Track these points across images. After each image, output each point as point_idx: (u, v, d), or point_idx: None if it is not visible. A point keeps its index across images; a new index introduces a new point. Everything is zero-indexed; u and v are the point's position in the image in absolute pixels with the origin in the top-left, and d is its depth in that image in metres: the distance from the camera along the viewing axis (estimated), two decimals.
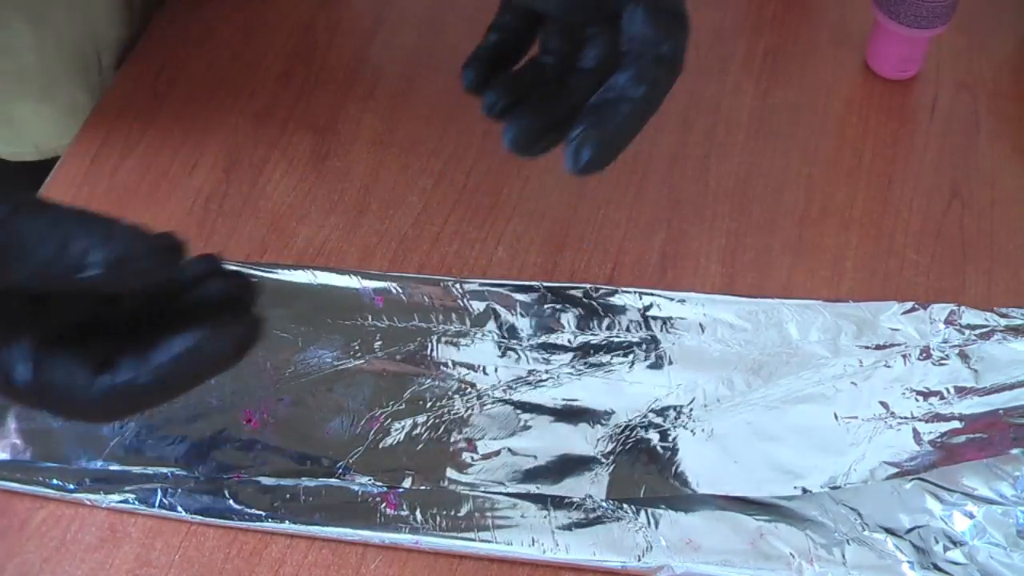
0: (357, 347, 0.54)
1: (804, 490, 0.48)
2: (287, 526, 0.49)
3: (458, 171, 0.62)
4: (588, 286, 0.55)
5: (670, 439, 0.50)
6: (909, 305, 0.54)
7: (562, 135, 0.43)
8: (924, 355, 0.52)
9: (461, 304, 0.55)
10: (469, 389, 0.52)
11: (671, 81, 0.46)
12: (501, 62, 0.47)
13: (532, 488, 0.49)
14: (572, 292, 0.55)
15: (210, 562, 0.48)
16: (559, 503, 0.48)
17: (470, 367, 0.53)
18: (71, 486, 0.50)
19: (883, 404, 0.51)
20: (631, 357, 0.53)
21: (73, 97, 0.66)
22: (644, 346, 0.53)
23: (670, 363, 0.53)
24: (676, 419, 0.51)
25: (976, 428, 0.49)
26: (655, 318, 0.54)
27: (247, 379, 0.53)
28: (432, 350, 0.54)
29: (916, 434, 0.49)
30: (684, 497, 0.48)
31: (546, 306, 0.55)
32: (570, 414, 0.51)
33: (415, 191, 0.61)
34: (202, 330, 0.37)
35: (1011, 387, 0.50)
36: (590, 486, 0.49)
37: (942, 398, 0.50)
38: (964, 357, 0.52)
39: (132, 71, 0.68)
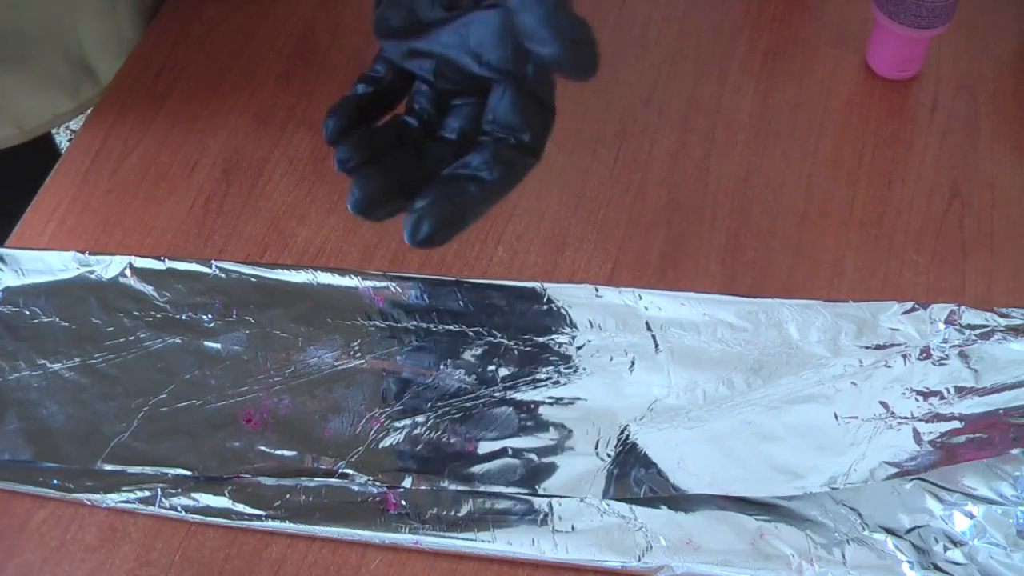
0: (357, 347, 0.54)
1: (804, 490, 0.48)
2: (287, 526, 0.49)
3: None
4: (588, 286, 0.55)
5: (670, 439, 0.50)
6: (909, 305, 0.54)
7: (407, 203, 0.44)
8: (924, 355, 0.52)
9: (461, 304, 0.55)
10: (469, 389, 0.52)
11: (526, 169, 0.46)
12: (365, 115, 0.47)
13: (532, 488, 0.49)
14: (571, 292, 0.55)
15: (210, 562, 0.48)
16: (559, 503, 0.48)
17: (470, 367, 0.53)
18: (71, 486, 0.50)
19: (883, 404, 0.50)
20: (631, 357, 0.53)
21: (51, 65, 0.65)
22: (644, 346, 0.53)
23: (670, 363, 0.53)
24: (676, 419, 0.51)
25: (976, 428, 0.49)
26: (655, 318, 0.54)
27: (247, 379, 0.53)
28: (432, 350, 0.54)
29: (916, 434, 0.49)
30: (684, 497, 0.48)
31: (545, 306, 0.55)
32: (570, 414, 0.51)
33: None
34: None
35: (1011, 387, 0.50)
36: (590, 486, 0.49)
37: (942, 398, 0.50)
38: (964, 357, 0.52)
39: (132, 71, 0.68)
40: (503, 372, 0.53)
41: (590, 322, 0.54)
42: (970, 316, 0.53)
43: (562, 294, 0.55)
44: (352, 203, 0.44)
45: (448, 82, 0.46)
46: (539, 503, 0.49)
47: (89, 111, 0.66)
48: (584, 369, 0.53)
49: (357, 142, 0.45)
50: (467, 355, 0.54)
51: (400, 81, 0.48)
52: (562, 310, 0.55)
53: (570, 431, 0.51)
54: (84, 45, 0.66)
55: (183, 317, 0.55)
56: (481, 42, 0.45)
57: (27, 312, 0.56)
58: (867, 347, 0.52)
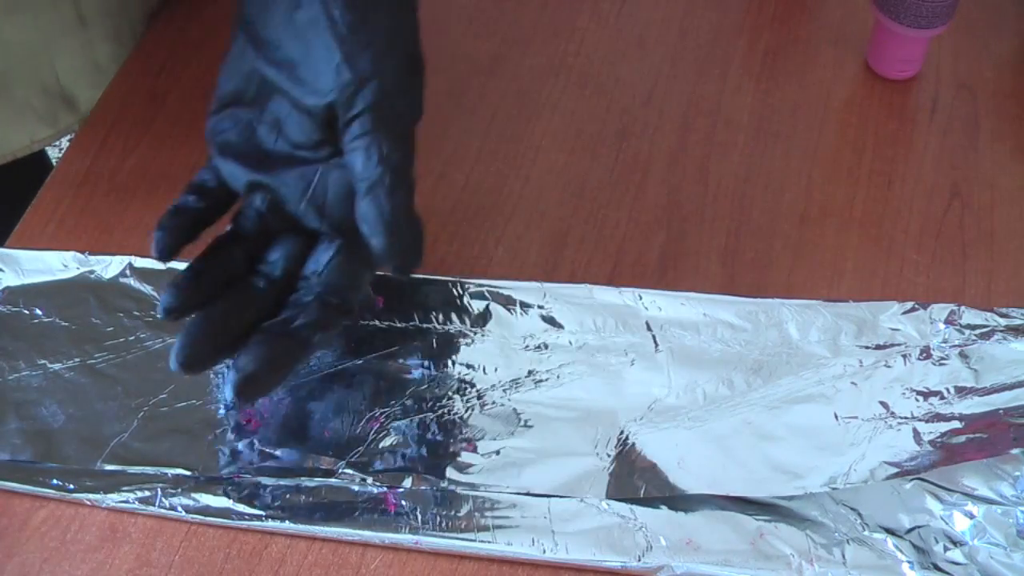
0: (357, 347, 0.54)
1: (804, 490, 0.48)
2: (287, 526, 0.49)
3: (458, 171, 0.62)
4: (588, 286, 0.55)
5: (670, 439, 0.50)
6: (909, 305, 0.54)
7: (229, 355, 0.46)
8: (924, 355, 0.52)
9: (461, 304, 0.55)
10: (469, 389, 0.52)
11: (340, 324, 0.49)
12: (196, 228, 0.48)
13: (532, 488, 0.49)
14: (572, 292, 0.55)
15: (210, 562, 0.48)
16: (559, 503, 0.48)
17: (470, 367, 0.53)
18: (71, 486, 0.50)
19: (883, 404, 0.50)
20: (631, 357, 0.53)
21: (27, 98, 0.65)
22: (644, 346, 0.53)
23: (670, 363, 0.53)
24: (676, 419, 0.51)
25: (976, 428, 0.49)
26: (655, 318, 0.54)
27: None
28: (432, 350, 0.54)
29: (916, 434, 0.49)
30: (684, 497, 0.48)
31: (545, 306, 0.55)
32: (570, 414, 0.51)
33: (415, 191, 0.61)
34: None
35: (1011, 387, 0.50)
36: (590, 486, 0.49)
37: (942, 398, 0.50)
38: (964, 357, 0.52)
39: (132, 71, 0.68)
40: (503, 372, 0.53)
41: (590, 322, 0.54)
42: (970, 316, 0.53)
43: (562, 294, 0.55)
44: (177, 362, 0.45)
45: (279, 220, 0.48)
46: (539, 503, 0.49)
47: (46, 113, 0.66)
48: (584, 369, 0.53)
49: (184, 289, 0.47)
50: (467, 355, 0.54)
51: (228, 195, 0.49)
52: (561, 310, 0.55)
53: (570, 431, 0.51)
54: (61, 78, 0.65)
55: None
56: (330, 199, 0.48)
57: (27, 312, 0.56)
58: (867, 347, 0.52)
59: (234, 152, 0.49)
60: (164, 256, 0.47)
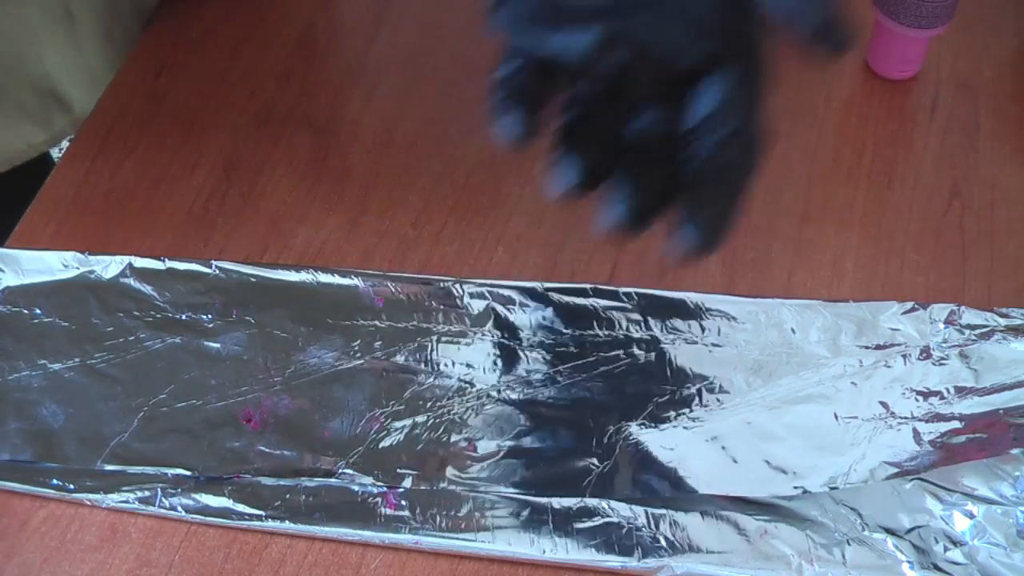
0: (357, 347, 0.54)
1: (804, 490, 0.48)
2: (287, 526, 0.49)
3: (458, 171, 0.62)
4: (588, 286, 0.55)
5: (670, 439, 0.50)
6: (909, 305, 0.54)
7: (662, 209, 0.39)
8: (924, 355, 0.52)
9: (461, 304, 0.55)
10: (469, 389, 0.52)
11: (762, 154, 0.41)
12: (539, 100, 0.39)
13: (532, 488, 0.49)
14: (572, 292, 0.55)
15: (210, 562, 0.48)
16: (559, 503, 0.48)
17: (470, 367, 0.53)
18: (71, 486, 0.50)
19: (883, 404, 0.50)
20: (631, 357, 0.53)
21: (18, 95, 0.65)
22: (644, 346, 0.53)
23: (670, 363, 0.53)
24: (676, 419, 0.51)
25: (976, 428, 0.49)
26: (655, 318, 0.54)
27: (247, 379, 0.53)
28: (432, 350, 0.54)
29: (916, 434, 0.49)
30: (684, 497, 0.48)
31: (546, 306, 0.55)
32: (570, 414, 0.51)
33: (415, 191, 0.61)
34: None
35: (1011, 387, 0.50)
36: (590, 486, 0.49)
37: (942, 398, 0.50)
38: (964, 357, 0.52)
39: (132, 71, 0.68)
40: (504, 372, 0.53)
41: (590, 322, 0.54)
42: (970, 316, 0.53)
43: (562, 294, 0.55)
44: (623, 221, 0.39)
45: (644, 73, 0.38)
46: (539, 503, 0.49)
47: (38, 118, 0.66)
48: (584, 369, 0.53)
49: (577, 158, 0.38)
50: (467, 355, 0.54)
51: (553, 74, 0.40)
52: (561, 310, 0.55)
53: (570, 431, 0.51)
54: (52, 76, 0.65)
55: (183, 317, 0.55)
56: (708, 16, 0.37)
57: (27, 312, 0.56)
58: (867, 347, 0.52)
59: (556, 13, 0.38)
60: (529, 133, 0.39)
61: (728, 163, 0.39)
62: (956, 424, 0.49)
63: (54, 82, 0.65)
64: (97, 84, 0.67)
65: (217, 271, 0.57)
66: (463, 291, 0.55)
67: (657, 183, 0.40)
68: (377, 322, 0.55)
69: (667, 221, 0.40)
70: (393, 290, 0.56)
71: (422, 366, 0.53)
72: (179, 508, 0.49)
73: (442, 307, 0.55)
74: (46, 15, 0.63)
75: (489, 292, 0.55)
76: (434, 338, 0.54)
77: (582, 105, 0.40)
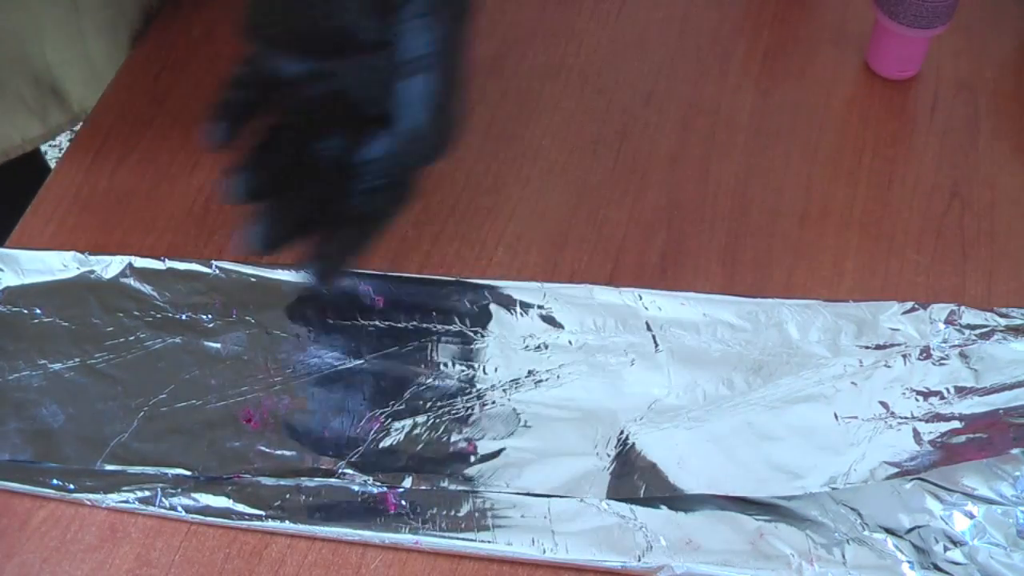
0: (357, 347, 0.54)
1: (804, 490, 0.48)
2: (287, 526, 0.49)
3: (458, 171, 0.62)
4: (587, 286, 0.55)
5: (670, 439, 0.50)
6: (909, 305, 0.54)
7: (302, 235, 0.45)
8: (924, 355, 0.52)
9: (461, 304, 0.55)
10: (469, 389, 0.52)
11: (401, 211, 0.48)
12: (246, 115, 0.46)
13: (532, 488, 0.49)
14: (572, 292, 0.55)
15: (210, 562, 0.48)
16: (559, 503, 0.48)
17: (470, 367, 0.53)
18: (71, 486, 0.50)
19: (883, 404, 0.50)
20: (631, 357, 0.53)
21: (18, 88, 0.64)
22: (644, 346, 0.53)
23: (670, 363, 0.53)
24: (676, 419, 0.51)
25: (976, 428, 0.49)
26: (655, 318, 0.54)
27: (247, 379, 0.53)
28: (432, 350, 0.54)
29: (916, 434, 0.49)
30: (684, 497, 0.48)
31: (546, 306, 0.55)
32: (570, 414, 0.51)
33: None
34: None
35: (1011, 387, 0.50)
36: (590, 486, 0.49)
37: (942, 398, 0.50)
38: (964, 357, 0.52)
39: (132, 71, 0.68)
40: (503, 372, 0.53)
41: (590, 322, 0.54)
42: (970, 316, 0.53)
43: (562, 294, 0.55)
44: (258, 242, 0.44)
45: (335, 109, 0.46)
46: (539, 503, 0.49)
47: (37, 108, 0.65)
48: (584, 369, 0.53)
49: (249, 175, 0.45)
50: (467, 355, 0.54)
51: (274, 84, 0.47)
52: (561, 310, 0.55)
53: (570, 431, 0.51)
54: (53, 70, 0.65)
55: (183, 317, 0.55)
56: (386, 87, 0.45)
57: (27, 312, 0.56)
58: (867, 347, 0.52)
59: (283, 40, 0.46)
60: (225, 139, 0.46)
61: (371, 210, 0.46)
62: (956, 424, 0.49)
63: (55, 76, 0.65)
64: (98, 80, 0.67)
65: (217, 271, 0.57)
66: (463, 291, 0.55)
67: (300, 214, 0.46)
68: (377, 322, 0.55)
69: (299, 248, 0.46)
70: (393, 290, 0.56)
71: (422, 366, 0.53)
72: (179, 508, 0.49)
73: (442, 307, 0.55)
74: (53, 8, 0.63)
75: (489, 292, 0.55)
76: (434, 338, 0.54)
77: (279, 128, 0.47)
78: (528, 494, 0.49)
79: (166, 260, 0.57)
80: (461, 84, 0.45)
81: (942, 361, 0.52)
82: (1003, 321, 0.53)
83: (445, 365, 0.53)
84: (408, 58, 0.44)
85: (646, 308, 0.54)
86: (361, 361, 0.54)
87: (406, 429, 0.51)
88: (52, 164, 0.68)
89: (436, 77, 0.44)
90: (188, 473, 0.50)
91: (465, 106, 0.46)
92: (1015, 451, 0.48)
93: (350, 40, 0.45)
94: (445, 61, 0.44)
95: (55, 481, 0.50)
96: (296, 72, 0.46)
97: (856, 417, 0.50)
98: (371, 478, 0.50)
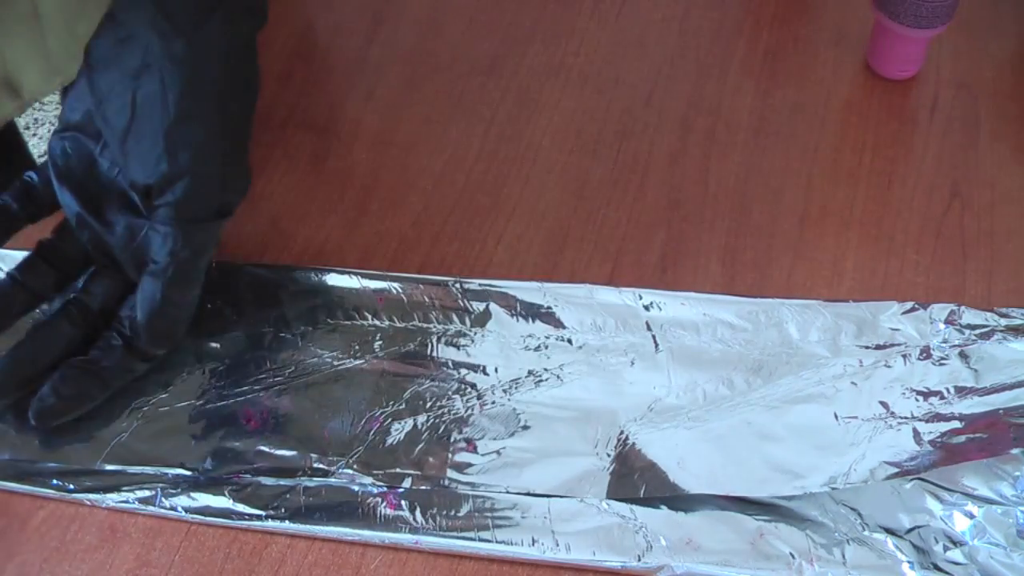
0: (357, 347, 0.54)
1: (804, 490, 0.48)
2: (287, 526, 0.49)
3: (458, 171, 0.62)
4: (587, 286, 0.55)
5: (670, 439, 0.50)
6: (909, 305, 0.54)
7: (39, 382, 0.51)
8: (924, 355, 0.52)
9: (461, 304, 0.55)
10: (469, 389, 0.52)
11: (142, 369, 0.53)
12: (14, 226, 0.53)
13: (532, 488, 0.49)
14: (572, 292, 0.55)
15: (210, 562, 0.48)
16: (559, 503, 0.48)
17: (470, 367, 0.53)
18: (71, 486, 0.50)
19: (883, 404, 0.50)
20: (631, 357, 0.53)
21: None
22: (644, 346, 0.53)
23: (670, 363, 0.53)
24: (676, 419, 0.51)
25: (976, 428, 0.49)
26: (655, 318, 0.54)
27: (247, 379, 0.53)
28: (432, 350, 0.54)
29: (916, 434, 0.49)
30: (684, 497, 0.48)
31: (546, 306, 0.55)
32: (570, 414, 0.51)
33: (415, 191, 0.61)
34: None
35: (1011, 387, 0.50)
36: (590, 486, 0.49)
37: (942, 398, 0.50)
38: (964, 357, 0.52)
39: None
40: (503, 372, 0.53)
41: (590, 322, 0.54)
42: (970, 316, 0.53)
43: (561, 294, 0.55)
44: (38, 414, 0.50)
45: (101, 257, 0.53)
46: (539, 503, 0.49)
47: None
48: (584, 369, 0.53)
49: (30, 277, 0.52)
50: (467, 355, 0.54)
51: (54, 204, 0.52)
52: (562, 310, 0.55)
53: (570, 431, 0.51)
54: (8, 63, 0.65)
55: None
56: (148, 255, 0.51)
57: None
58: (867, 347, 0.52)
59: (73, 181, 0.52)
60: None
61: (107, 364, 0.51)
62: (956, 424, 0.49)
63: (9, 69, 0.65)
64: (54, 72, 0.67)
65: (217, 271, 0.57)
66: (463, 291, 0.55)
67: (39, 361, 0.51)
68: (377, 322, 0.55)
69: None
70: (393, 290, 0.56)
71: (422, 366, 0.53)
72: (179, 508, 0.49)
73: (442, 307, 0.55)
74: (13, 8, 0.63)
75: (489, 292, 0.55)
76: (434, 338, 0.54)
77: (58, 250, 0.53)
78: (528, 494, 0.49)
79: None
80: (190, 291, 0.52)
81: (942, 361, 0.52)
82: (1003, 321, 0.53)
83: (445, 365, 0.53)
84: (149, 257, 0.50)
85: (646, 308, 0.54)
86: (361, 361, 0.54)
87: (406, 429, 0.51)
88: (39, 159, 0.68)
89: (161, 288, 0.50)
90: (188, 473, 0.50)
91: (190, 313, 0.52)
92: (1015, 451, 0.48)
93: (131, 204, 0.51)
94: (175, 273, 0.50)
95: (55, 481, 0.50)
96: (77, 213, 0.52)
97: (856, 417, 0.50)
98: (371, 478, 0.50)
